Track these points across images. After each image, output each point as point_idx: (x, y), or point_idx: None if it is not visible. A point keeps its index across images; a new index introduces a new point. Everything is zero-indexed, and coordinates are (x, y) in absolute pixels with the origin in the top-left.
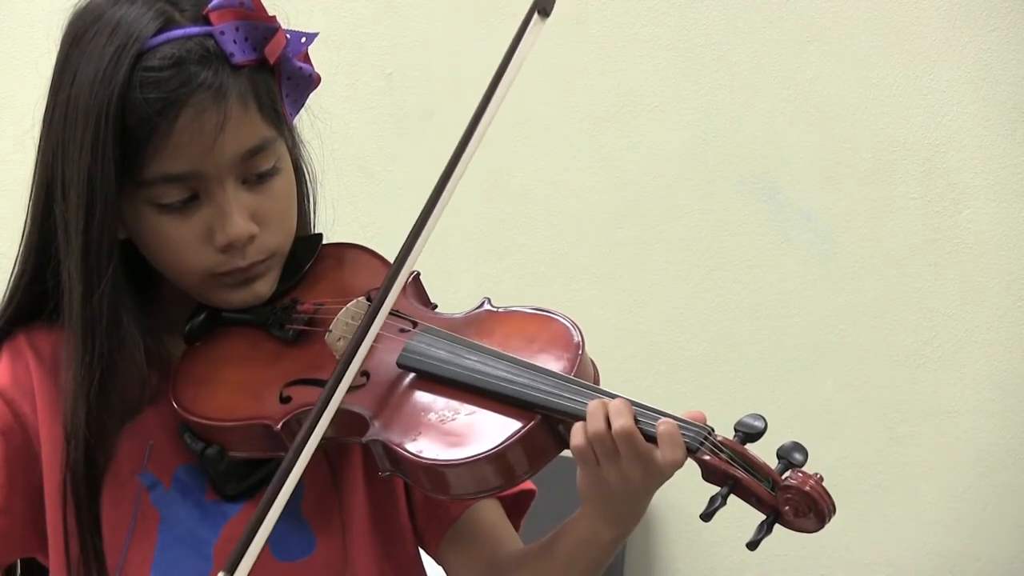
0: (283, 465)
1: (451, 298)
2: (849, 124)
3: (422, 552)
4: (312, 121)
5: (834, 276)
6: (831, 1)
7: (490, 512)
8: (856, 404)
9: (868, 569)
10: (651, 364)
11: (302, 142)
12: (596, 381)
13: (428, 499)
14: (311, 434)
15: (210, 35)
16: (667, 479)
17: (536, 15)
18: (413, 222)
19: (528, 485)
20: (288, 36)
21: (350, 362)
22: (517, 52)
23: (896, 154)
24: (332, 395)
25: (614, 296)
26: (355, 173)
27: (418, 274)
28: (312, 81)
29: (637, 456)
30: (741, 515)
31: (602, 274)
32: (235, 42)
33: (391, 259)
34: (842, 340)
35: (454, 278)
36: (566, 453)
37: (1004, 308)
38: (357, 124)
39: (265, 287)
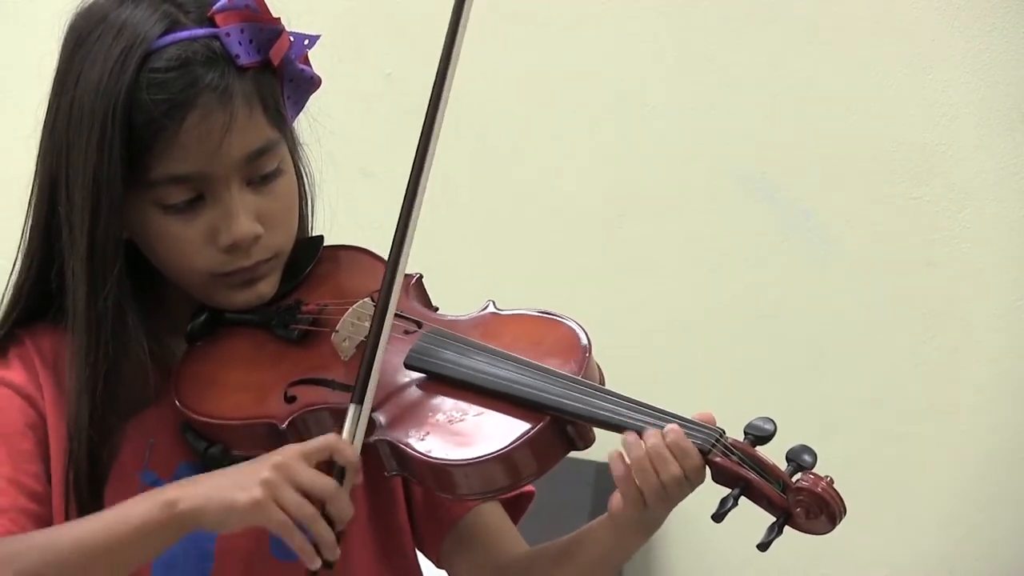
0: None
1: (449, 299)
2: (848, 124)
3: (422, 557)
4: (311, 123)
5: (833, 276)
6: (831, 1)
7: (492, 515)
8: (855, 404)
9: (867, 569)
10: (650, 364)
11: (301, 144)
12: (602, 383)
13: (428, 503)
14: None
15: (216, 37)
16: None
17: None
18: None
19: (527, 487)
20: (292, 38)
21: (370, 370)
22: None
23: (895, 154)
24: (363, 401)
25: (613, 296)
26: (355, 173)
27: (421, 276)
28: (313, 83)
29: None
30: (742, 516)
31: (601, 274)
32: (240, 44)
33: None
34: (841, 340)
35: (451, 279)
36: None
37: (1004, 308)
38: (357, 124)
39: (268, 287)
